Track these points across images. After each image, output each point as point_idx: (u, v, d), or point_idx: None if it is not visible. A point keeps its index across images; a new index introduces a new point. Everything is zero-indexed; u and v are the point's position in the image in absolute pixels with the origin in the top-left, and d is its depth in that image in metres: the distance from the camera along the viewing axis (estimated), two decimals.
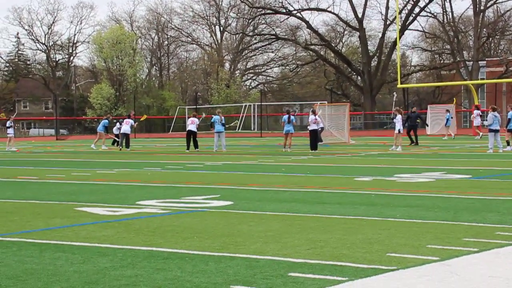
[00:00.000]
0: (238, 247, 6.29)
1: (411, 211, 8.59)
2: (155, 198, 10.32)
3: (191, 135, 26.98)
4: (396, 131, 24.95)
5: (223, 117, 26.97)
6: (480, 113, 36.91)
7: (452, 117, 38.11)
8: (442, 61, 78.44)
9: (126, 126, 29.35)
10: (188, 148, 26.81)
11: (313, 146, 25.39)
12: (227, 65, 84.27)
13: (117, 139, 31.87)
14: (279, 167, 17.18)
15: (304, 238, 6.72)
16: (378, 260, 5.63)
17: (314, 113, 26.63)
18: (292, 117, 25.87)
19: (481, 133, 34.73)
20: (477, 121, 36.07)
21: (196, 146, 26.88)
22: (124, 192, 11.49)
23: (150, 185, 12.62)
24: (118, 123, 31.97)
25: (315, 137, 25.86)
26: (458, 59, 69.39)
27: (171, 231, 7.26)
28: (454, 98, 49.42)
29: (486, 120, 23.36)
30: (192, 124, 27.09)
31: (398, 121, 25.11)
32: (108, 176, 14.96)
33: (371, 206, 9.08)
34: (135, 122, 30.70)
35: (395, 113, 25.62)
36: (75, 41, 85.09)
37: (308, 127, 26.24)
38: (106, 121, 32.13)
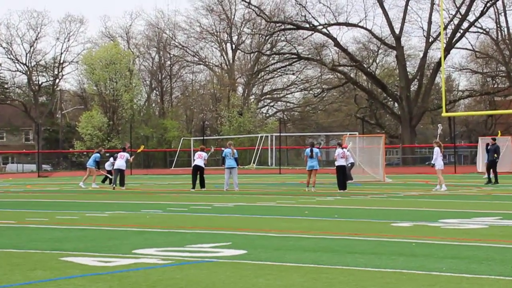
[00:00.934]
0: None
1: (460, 263, 8.53)
2: (154, 246, 10.32)
3: (197, 171, 27.14)
4: (437, 167, 25.09)
5: (235, 151, 27.11)
6: None
7: None
8: (495, 85, 78.41)
9: (120, 161, 29.45)
10: (193, 187, 26.90)
11: (342, 185, 25.36)
12: (240, 89, 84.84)
13: (110, 176, 32.04)
14: (302, 209, 17.15)
15: None
16: None
17: (341, 146, 26.72)
18: (316, 150, 25.89)
19: None
20: None
21: (202, 184, 26.99)
22: (118, 239, 11.50)
23: (149, 231, 12.63)
24: (111, 158, 32.18)
25: (343, 174, 25.85)
26: None
27: (173, 285, 7.24)
28: (499, 131, 49.62)
29: None
30: (199, 158, 27.32)
31: (435, 155, 25.40)
32: (99, 220, 14.99)
33: (411, 257, 9.03)
34: (131, 156, 30.86)
35: (434, 145, 25.85)
36: (61, 61, 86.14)
37: (335, 162, 26.25)
38: (98, 155, 32.37)
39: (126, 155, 29.69)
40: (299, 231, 12.29)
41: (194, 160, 28.29)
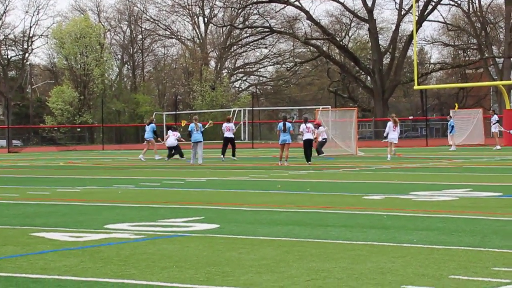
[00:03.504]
0: (226, 278, 6.29)
1: (431, 235, 8.62)
2: (127, 221, 10.31)
3: (228, 142, 29.87)
4: (388, 140, 27.49)
5: (200, 124, 27.97)
6: (497, 119, 38.36)
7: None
8: (467, 58, 78.88)
9: (172, 138, 31.44)
10: (223, 154, 29.79)
11: (309, 158, 25.71)
12: (212, 63, 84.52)
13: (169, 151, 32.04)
14: (274, 183, 17.20)
15: (303, 267, 6.73)
16: None
17: (306, 121, 27.52)
18: (289, 124, 25.94)
19: (498, 146, 35.84)
20: (494, 128, 37.75)
21: (233, 153, 29.89)
22: (90, 214, 11.48)
23: (121, 206, 12.62)
24: (170, 130, 32.70)
25: (310, 148, 26.27)
26: (486, 55, 69.81)
27: (146, 259, 7.25)
28: (456, 104, 50.23)
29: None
30: (228, 131, 29.96)
31: (387, 129, 27.69)
32: (71, 195, 14.94)
33: (383, 230, 9.11)
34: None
35: (390, 120, 28.02)
36: (31, 35, 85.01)
37: (302, 137, 26.92)
38: (153, 125, 32.60)
39: (177, 134, 31.87)
40: (272, 205, 12.34)
41: (224, 132, 30.27)
